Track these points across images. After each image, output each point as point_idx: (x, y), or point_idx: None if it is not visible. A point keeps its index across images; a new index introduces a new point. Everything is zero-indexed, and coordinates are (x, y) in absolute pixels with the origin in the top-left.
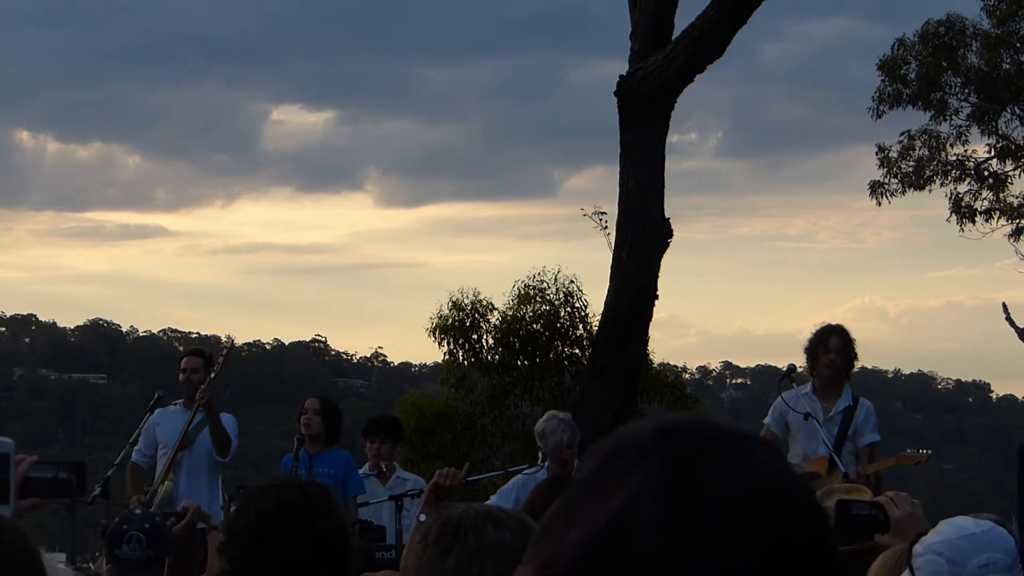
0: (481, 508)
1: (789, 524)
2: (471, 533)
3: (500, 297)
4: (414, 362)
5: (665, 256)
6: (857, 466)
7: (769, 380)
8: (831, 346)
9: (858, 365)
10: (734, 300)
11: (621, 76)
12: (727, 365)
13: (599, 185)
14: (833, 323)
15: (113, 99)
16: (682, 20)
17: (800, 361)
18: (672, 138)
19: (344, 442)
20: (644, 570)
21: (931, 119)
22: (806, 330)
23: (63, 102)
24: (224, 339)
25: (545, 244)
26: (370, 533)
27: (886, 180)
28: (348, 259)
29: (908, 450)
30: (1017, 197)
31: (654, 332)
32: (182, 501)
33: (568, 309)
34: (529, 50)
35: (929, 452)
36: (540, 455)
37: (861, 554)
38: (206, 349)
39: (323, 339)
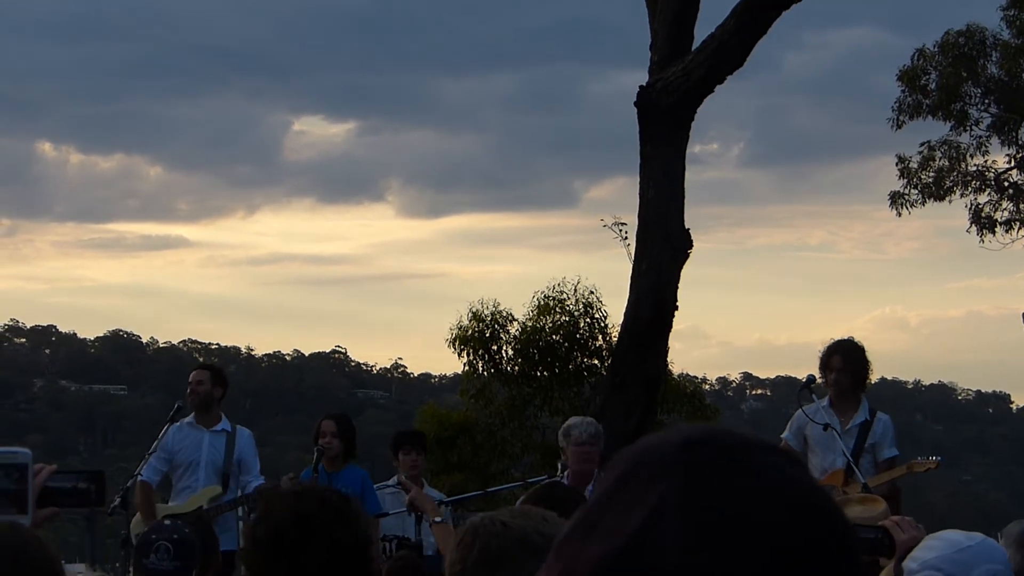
0: (520, 532)
1: (815, 539)
2: (510, 565)
3: (520, 308)
4: (434, 373)
5: (686, 266)
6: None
7: (789, 391)
8: (833, 365)
9: (873, 377)
10: (755, 311)
11: (641, 87)
12: (747, 376)
13: (620, 196)
14: (841, 339)
15: (135, 111)
16: (702, 31)
17: (819, 372)
18: (694, 148)
19: (361, 453)
20: None
21: (951, 129)
22: (826, 340)
23: (85, 114)
24: (244, 350)
25: (565, 255)
26: (410, 548)
27: (906, 191)
28: (369, 270)
29: (919, 457)
30: None
31: (675, 343)
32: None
33: (588, 320)
34: (549, 61)
35: (939, 459)
36: (559, 465)
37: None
38: (216, 363)
39: (343, 350)
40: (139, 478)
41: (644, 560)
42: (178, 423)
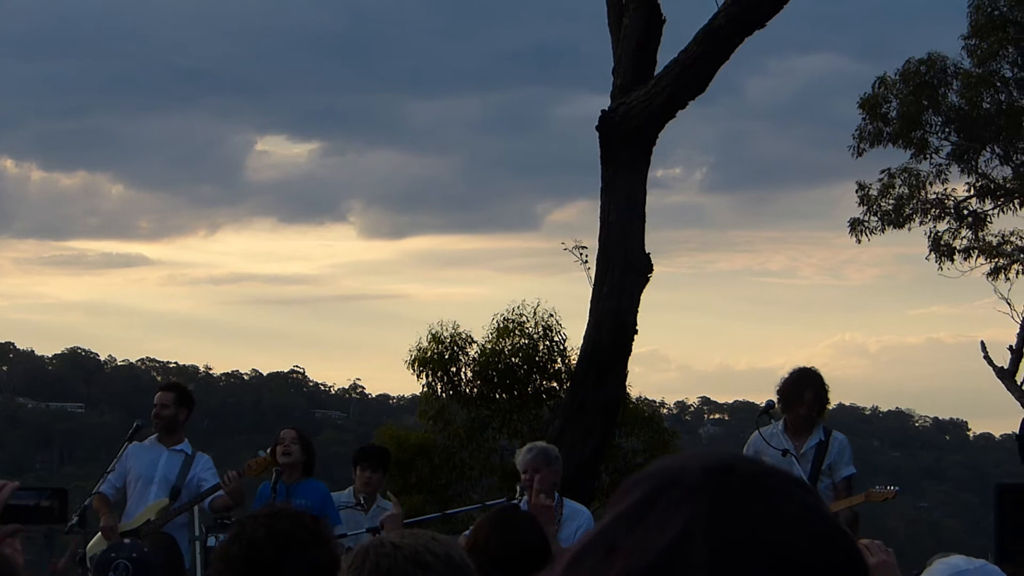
0: (410, 551)
1: (833, 564)
2: None
3: (479, 330)
4: (392, 394)
5: (648, 290)
6: (833, 500)
7: (747, 416)
8: (805, 399)
9: (832, 402)
10: (715, 335)
11: (603, 111)
12: (705, 400)
13: (582, 219)
14: (807, 369)
15: (98, 128)
16: (665, 56)
17: (781, 401)
18: (657, 173)
19: (319, 473)
20: None
21: (911, 157)
22: (787, 366)
23: (48, 130)
24: (202, 369)
25: (527, 277)
26: None
27: (866, 218)
28: (330, 290)
29: (877, 487)
30: (996, 236)
31: (635, 367)
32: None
33: (547, 343)
34: (515, 84)
35: (897, 489)
36: (518, 488)
37: None
38: (181, 383)
39: (301, 370)
40: (99, 491)
41: None
42: (142, 442)
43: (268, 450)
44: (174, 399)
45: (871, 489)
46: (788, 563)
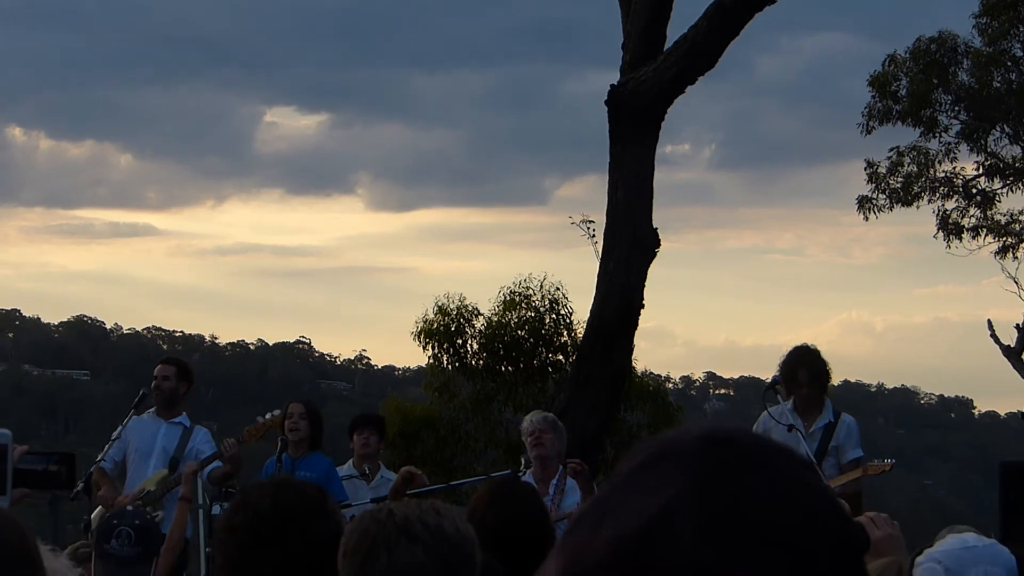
0: (400, 517)
1: (825, 546)
2: (383, 553)
3: (486, 303)
4: (398, 366)
5: (655, 266)
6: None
7: (753, 392)
8: (800, 379)
9: (836, 380)
10: (721, 312)
11: (612, 86)
12: (710, 376)
13: (590, 194)
14: (801, 348)
15: (107, 98)
16: (674, 31)
17: (783, 382)
18: (666, 149)
19: (325, 445)
20: (676, 572)
21: (920, 136)
22: (793, 343)
23: (56, 100)
24: (208, 338)
25: (534, 252)
26: None
27: (874, 195)
28: (336, 262)
29: (875, 460)
30: (1004, 215)
31: (641, 342)
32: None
33: (553, 316)
34: (523, 59)
35: (893, 461)
36: (523, 460)
37: None
38: (181, 358)
39: (307, 341)
40: (99, 465)
41: (658, 545)
42: (141, 415)
43: (268, 415)
44: (175, 372)
45: (868, 463)
46: (776, 540)
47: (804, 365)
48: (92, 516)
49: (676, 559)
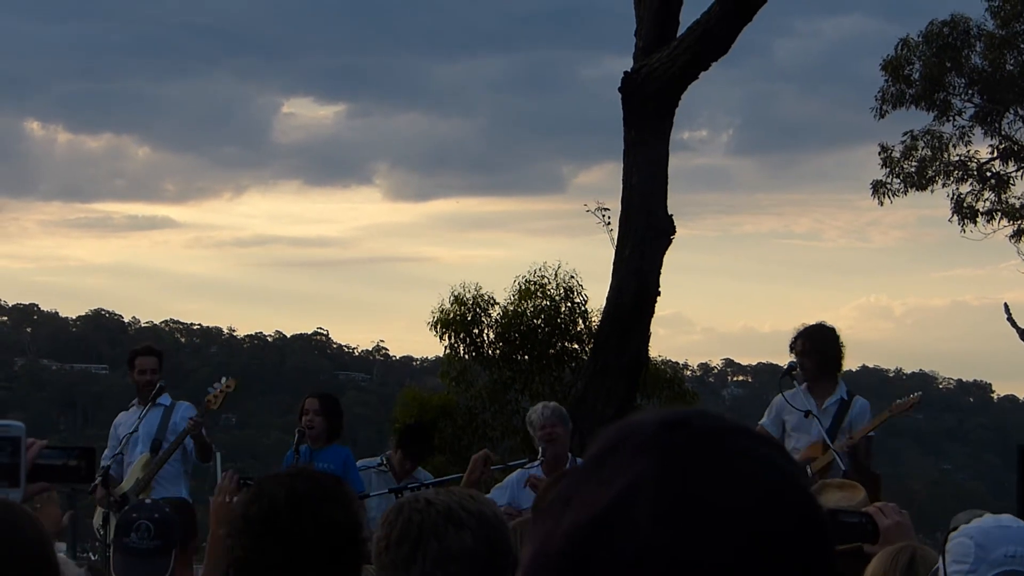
0: (442, 506)
1: (785, 525)
2: (433, 540)
3: (502, 292)
4: (415, 356)
5: (672, 253)
6: (851, 460)
7: (771, 378)
8: (797, 349)
9: (855, 365)
10: (739, 298)
11: (625, 72)
12: (728, 362)
13: (608, 181)
14: (812, 325)
15: (123, 90)
16: (687, 16)
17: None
18: (683, 135)
19: (344, 435)
20: (634, 558)
21: (934, 119)
22: None
23: (74, 93)
24: (226, 331)
25: (552, 240)
26: None
27: (888, 180)
28: (355, 253)
29: (899, 399)
30: (1019, 198)
31: (658, 329)
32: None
33: (568, 304)
34: (539, 45)
35: (920, 393)
36: (540, 448)
37: (846, 555)
38: (157, 346)
39: (325, 332)
40: (104, 467)
41: (616, 531)
42: (127, 409)
43: (221, 381)
44: (157, 363)
45: (894, 403)
46: (734, 524)
47: (803, 336)
48: (94, 520)
49: (634, 545)
